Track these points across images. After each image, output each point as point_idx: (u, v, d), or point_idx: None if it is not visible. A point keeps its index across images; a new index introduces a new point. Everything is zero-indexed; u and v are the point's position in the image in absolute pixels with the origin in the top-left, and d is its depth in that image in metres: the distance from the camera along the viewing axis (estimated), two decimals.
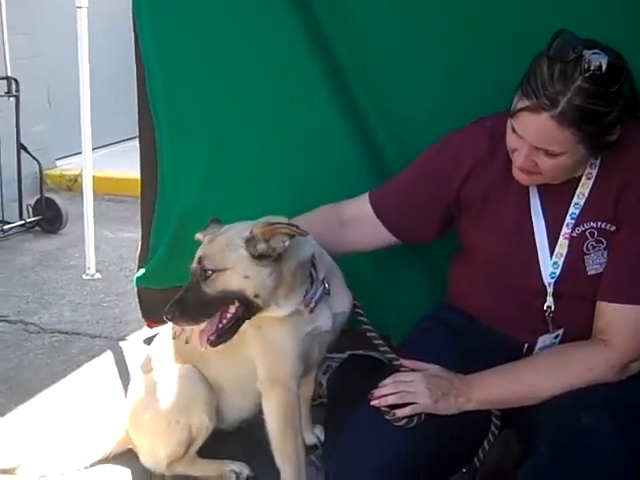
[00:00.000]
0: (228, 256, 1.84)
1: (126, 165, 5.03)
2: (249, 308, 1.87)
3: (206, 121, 2.63)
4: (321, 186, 2.51)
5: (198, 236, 1.99)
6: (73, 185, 5.59)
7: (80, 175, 4.55)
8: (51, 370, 2.98)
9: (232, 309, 1.86)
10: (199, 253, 1.87)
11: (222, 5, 2.49)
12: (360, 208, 2.17)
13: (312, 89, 2.46)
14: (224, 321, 1.87)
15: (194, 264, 1.87)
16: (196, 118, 2.64)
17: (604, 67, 1.66)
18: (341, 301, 2.08)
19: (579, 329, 1.90)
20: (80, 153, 3.98)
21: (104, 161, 5.40)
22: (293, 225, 1.87)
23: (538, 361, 1.92)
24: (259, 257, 1.84)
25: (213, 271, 1.83)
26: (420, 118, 2.42)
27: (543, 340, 1.96)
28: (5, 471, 2.26)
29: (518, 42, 2.20)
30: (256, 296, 1.85)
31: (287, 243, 1.85)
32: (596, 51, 1.67)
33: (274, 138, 2.56)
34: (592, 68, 1.65)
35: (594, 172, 1.87)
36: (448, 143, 2.07)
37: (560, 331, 1.94)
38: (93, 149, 3.96)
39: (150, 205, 2.91)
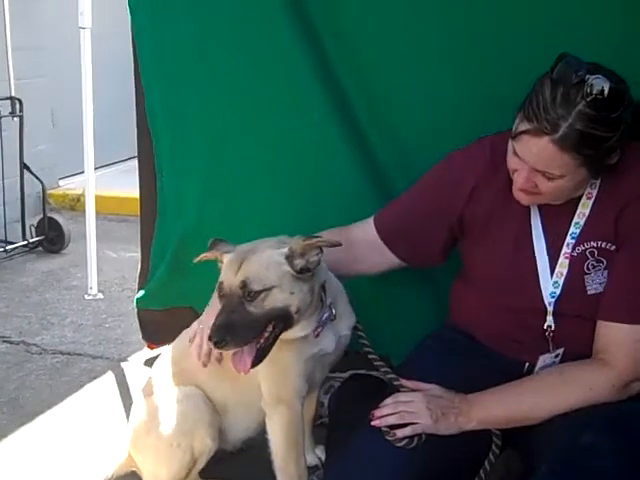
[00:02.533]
0: (273, 274, 1.83)
1: (128, 184, 5.03)
2: (285, 325, 1.87)
3: (206, 140, 2.63)
4: (323, 203, 2.51)
5: (208, 256, 1.97)
6: (76, 205, 5.61)
7: (83, 195, 4.57)
8: (53, 391, 2.98)
9: (270, 327, 1.85)
10: (241, 276, 1.82)
11: (221, 23, 2.50)
12: (365, 231, 2.16)
13: (313, 107, 2.47)
14: (262, 340, 1.85)
15: (235, 286, 1.82)
16: (196, 137, 2.65)
17: (606, 92, 1.66)
18: (346, 324, 2.08)
19: (579, 348, 1.90)
20: (83, 172, 3.99)
21: (107, 180, 5.42)
22: (324, 239, 1.89)
23: (539, 381, 1.91)
24: (299, 272, 1.86)
25: (261, 291, 1.82)
26: (420, 134, 2.43)
27: (544, 359, 1.95)
28: None
29: (519, 57, 2.22)
30: (297, 312, 1.87)
31: (320, 256, 1.88)
32: (599, 76, 1.67)
33: (275, 157, 2.56)
34: (594, 93, 1.65)
35: (594, 192, 1.88)
36: (450, 163, 2.07)
37: (560, 350, 1.94)
38: (96, 168, 3.98)
39: (150, 225, 2.91)
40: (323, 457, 2.33)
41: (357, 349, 2.12)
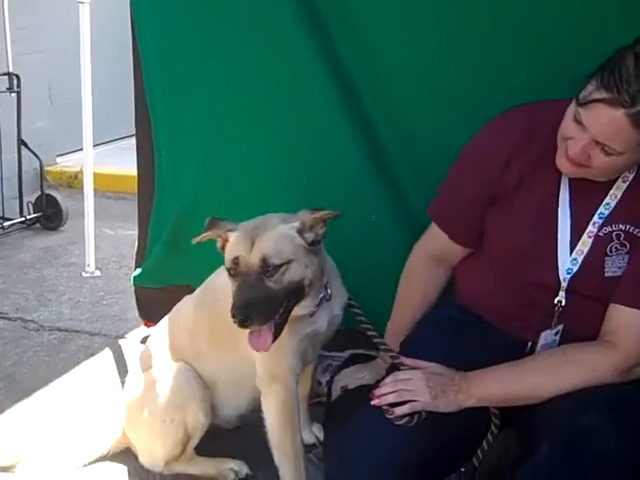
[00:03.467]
0: (289, 248, 1.85)
1: (127, 162, 4.98)
2: (297, 300, 1.90)
3: (205, 119, 2.61)
4: (322, 183, 2.49)
5: (209, 235, 1.95)
6: (74, 182, 5.59)
7: (81, 172, 4.54)
8: (50, 367, 2.98)
9: (284, 303, 1.86)
10: (259, 252, 1.82)
11: (222, 2, 2.48)
12: (434, 239, 2.15)
13: (314, 89, 2.44)
14: (276, 317, 1.85)
15: (253, 263, 1.82)
16: (195, 116, 2.63)
17: None
18: (339, 303, 2.09)
19: (581, 328, 1.89)
20: (81, 150, 3.97)
21: (105, 158, 5.38)
22: (329, 211, 1.91)
23: (541, 360, 1.91)
24: (310, 245, 1.88)
25: (281, 265, 1.83)
26: (422, 115, 2.41)
27: (545, 336, 1.95)
28: (4, 469, 2.26)
29: (522, 42, 2.22)
30: (309, 285, 1.89)
31: (326, 229, 1.90)
32: None
33: (273, 136, 2.54)
34: None
35: (631, 176, 1.86)
36: (484, 136, 2.04)
37: (560, 327, 1.93)
38: (94, 146, 3.94)
39: (147, 203, 2.89)
40: (321, 435, 2.34)
41: (353, 327, 2.12)
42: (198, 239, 1.98)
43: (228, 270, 1.87)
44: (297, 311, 1.94)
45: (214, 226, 1.96)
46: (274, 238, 1.85)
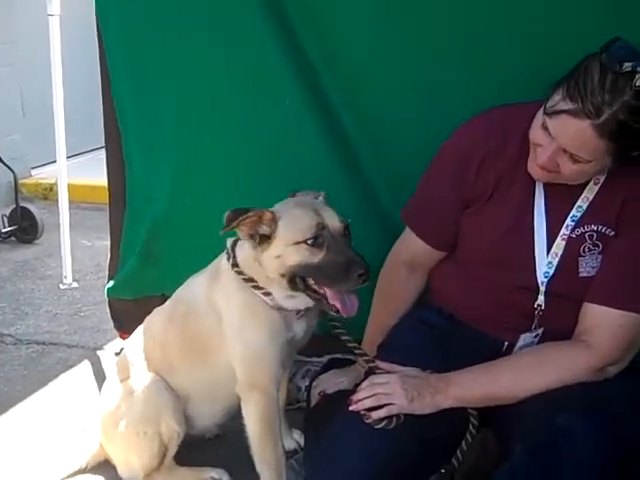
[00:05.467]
0: None
1: (102, 173, 4.95)
2: None
3: (175, 128, 2.61)
4: (295, 188, 2.48)
5: (250, 216, 1.90)
6: (49, 194, 5.54)
7: (56, 184, 4.50)
8: (27, 381, 2.95)
9: None
10: (339, 219, 1.91)
11: (191, 10, 2.47)
12: (409, 244, 2.16)
13: (284, 92, 2.45)
14: None
15: (339, 227, 1.90)
16: (166, 126, 2.62)
17: None
18: (316, 309, 2.08)
19: (560, 329, 1.91)
20: (55, 161, 3.94)
21: (80, 169, 5.34)
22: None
23: (517, 360, 1.93)
24: None
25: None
26: (393, 119, 2.42)
27: (524, 338, 1.96)
28: None
29: (501, 47, 2.24)
30: None
31: None
32: None
33: (246, 143, 2.54)
34: None
35: (602, 178, 1.87)
36: (456, 140, 2.04)
37: (540, 330, 1.95)
38: (69, 157, 3.94)
39: (119, 215, 2.87)
40: (301, 441, 2.34)
41: (327, 332, 2.12)
42: (234, 224, 1.90)
43: (310, 239, 1.87)
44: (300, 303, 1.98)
45: (242, 213, 1.90)
46: (331, 209, 1.94)
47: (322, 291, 1.91)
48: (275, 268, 1.92)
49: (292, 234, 1.89)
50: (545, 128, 1.77)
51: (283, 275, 1.92)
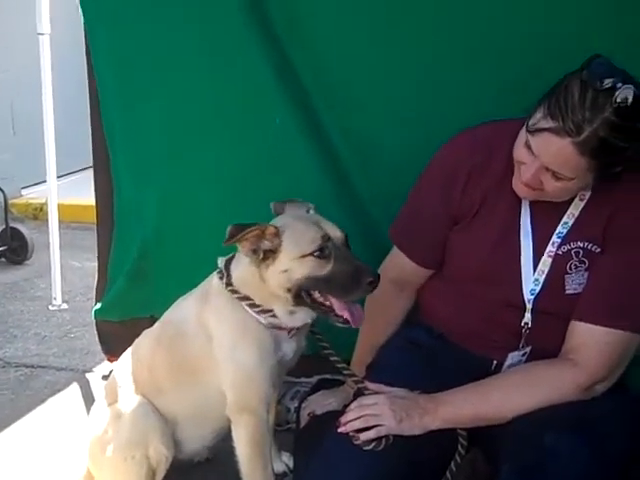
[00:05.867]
0: None
1: (92, 192, 4.99)
2: None
3: (164, 148, 2.61)
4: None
5: (253, 229, 1.89)
6: (39, 214, 5.55)
7: (46, 204, 4.50)
8: (16, 405, 2.93)
9: None
10: (340, 230, 1.93)
11: (179, 28, 2.48)
12: (396, 262, 2.15)
13: (273, 111, 2.46)
14: None
15: (340, 237, 1.92)
16: (154, 145, 2.62)
17: (631, 104, 1.62)
18: (304, 331, 2.08)
19: (548, 347, 1.90)
20: (45, 181, 3.94)
21: (70, 189, 5.35)
22: None
23: (505, 379, 1.92)
24: None
25: None
26: (383, 137, 2.43)
27: (512, 357, 1.96)
28: None
29: (488, 60, 2.25)
30: None
31: None
32: (630, 86, 1.64)
33: (235, 163, 2.54)
34: (624, 102, 1.62)
35: (587, 194, 1.87)
36: (441, 159, 2.05)
37: (528, 349, 1.94)
38: (59, 177, 3.95)
39: (107, 236, 2.87)
40: (290, 464, 2.32)
41: (316, 353, 2.12)
42: (237, 237, 1.87)
43: (316, 251, 1.87)
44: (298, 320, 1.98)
45: (243, 229, 1.89)
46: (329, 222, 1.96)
47: (328, 303, 1.90)
48: (281, 283, 1.90)
49: (298, 247, 1.88)
50: (528, 146, 1.77)
51: (289, 290, 1.90)
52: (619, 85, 1.63)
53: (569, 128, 1.67)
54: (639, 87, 1.66)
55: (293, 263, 1.88)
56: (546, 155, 1.73)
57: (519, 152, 1.82)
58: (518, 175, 1.85)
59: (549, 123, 1.70)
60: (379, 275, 1.85)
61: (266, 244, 1.90)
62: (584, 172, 1.73)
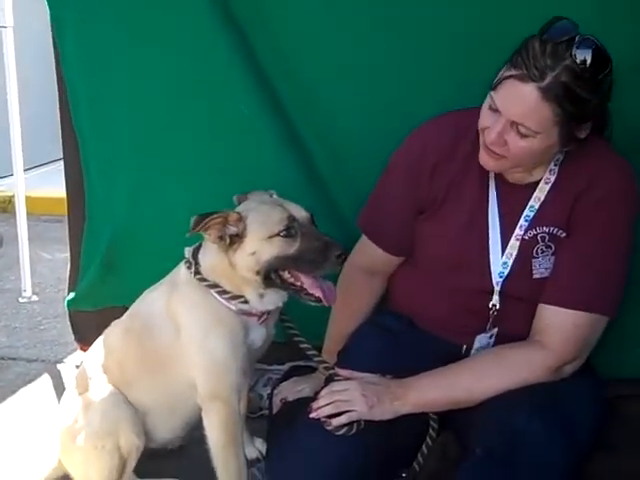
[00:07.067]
0: None
1: (62, 184, 4.94)
2: None
3: (133, 138, 2.58)
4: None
5: (215, 217, 1.90)
6: (7, 206, 5.48)
7: (14, 196, 4.46)
8: None
9: None
10: (304, 210, 1.94)
11: (145, 19, 2.46)
12: (365, 250, 2.17)
13: (241, 101, 2.45)
14: None
15: (306, 217, 1.93)
16: (123, 134, 2.59)
17: (590, 55, 1.69)
18: (273, 318, 2.09)
19: (515, 329, 1.94)
20: (13, 175, 3.91)
21: (40, 181, 5.30)
22: None
23: (475, 363, 1.95)
24: None
25: None
26: (351, 130, 2.43)
27: (479, 340, 1.99)
28: None
29: (457, 55, 2.26)
30: None
31: None
32: (589, 37, 1.71)
33: (204, 153, 2.53)
34: (582, 52, 1.69)
35: (552, 178, 1.91)
36: (408, 145, 2.07)
37: (495, 330, 1.97)
38: (28, 169, 3.91)
39: (78, 226, 2.84)
40: (263, 450, 2.33)
41: (284, 339, 2.13)
42: (201, 226, 1.88)
43: (283, 231, 1.88)
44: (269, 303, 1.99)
45: (206, 217, 1.90)
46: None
47: (299, 283, 1.91)
48: (250, 266, 1.91)
49: (264, 229, 1.90)
50: (492, 109, 1.80)
51: (258, 272, 1.91)
52: (578, 36, 1.70)
53: (533, 74, 1.71)
54: (597, 41, 1.71)
55: (261, 244, 1.90)
56: (510, 104, 1.76)
57: (484, 117, 1.84)
58: (483, 144, 1.86)
59: (512, 72, 1.74)
60: (345, 248, 1.87)
61: (231, 229, 1.91)
62: (549, 126, 1.75)
